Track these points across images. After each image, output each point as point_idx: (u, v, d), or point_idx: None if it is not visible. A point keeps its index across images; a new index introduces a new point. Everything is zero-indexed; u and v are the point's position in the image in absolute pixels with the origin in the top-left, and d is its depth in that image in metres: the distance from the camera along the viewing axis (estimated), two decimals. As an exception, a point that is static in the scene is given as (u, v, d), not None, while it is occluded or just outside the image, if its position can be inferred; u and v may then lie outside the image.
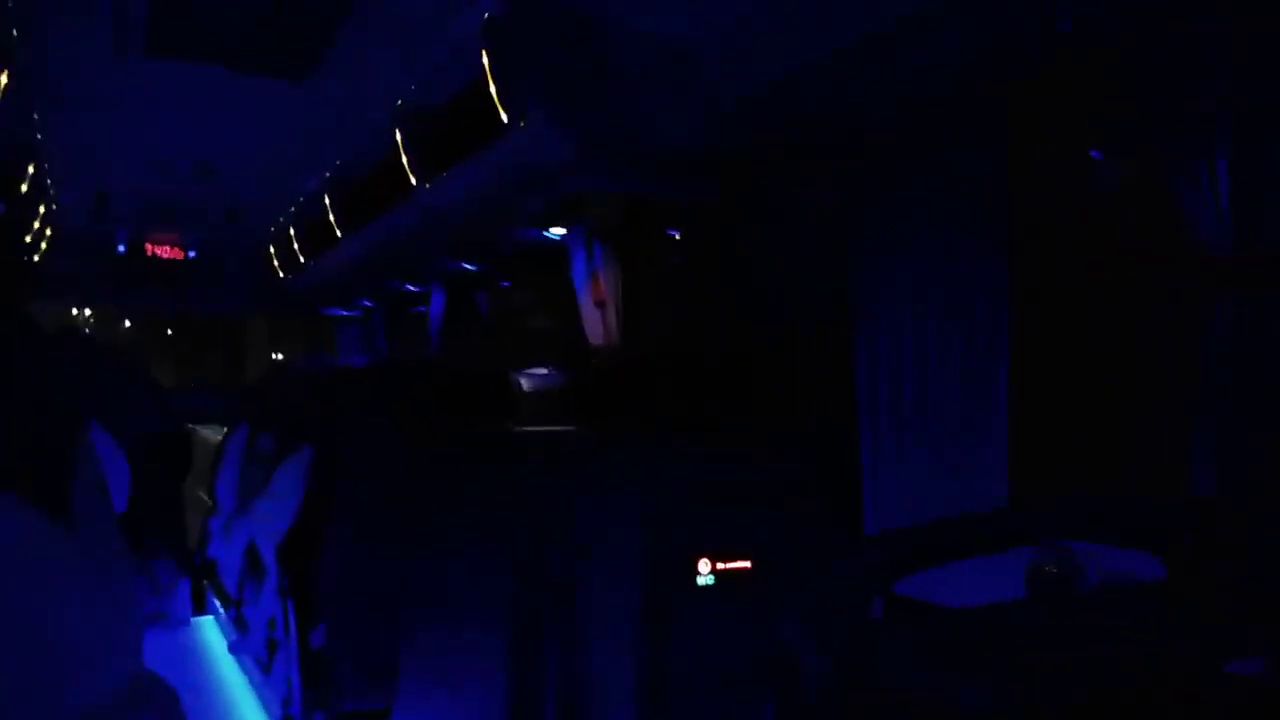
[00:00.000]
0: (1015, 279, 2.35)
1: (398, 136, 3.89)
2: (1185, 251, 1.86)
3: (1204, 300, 1.81)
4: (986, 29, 2.02)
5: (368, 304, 6.92)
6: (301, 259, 6.24)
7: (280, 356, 9.25)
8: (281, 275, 6.86)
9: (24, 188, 4.46)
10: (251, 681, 3.27)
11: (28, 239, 5.35)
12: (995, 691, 1.08)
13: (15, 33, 3.15)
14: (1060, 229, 2.51)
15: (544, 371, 3.68)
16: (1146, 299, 2.30)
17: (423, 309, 5.97)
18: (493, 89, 2.90)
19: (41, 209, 5.34)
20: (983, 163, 2.36)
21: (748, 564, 1.94)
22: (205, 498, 3.95)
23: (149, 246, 6.87)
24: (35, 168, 4.58)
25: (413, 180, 3.88)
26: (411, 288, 5.93)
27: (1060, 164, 2.50)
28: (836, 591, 1.20)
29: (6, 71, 3.13)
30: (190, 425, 4.74)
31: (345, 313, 7.40)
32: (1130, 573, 1.50)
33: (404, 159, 3.89)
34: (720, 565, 1.92)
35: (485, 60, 2.90)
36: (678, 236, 3.73)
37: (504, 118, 2.90)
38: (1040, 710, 1.10)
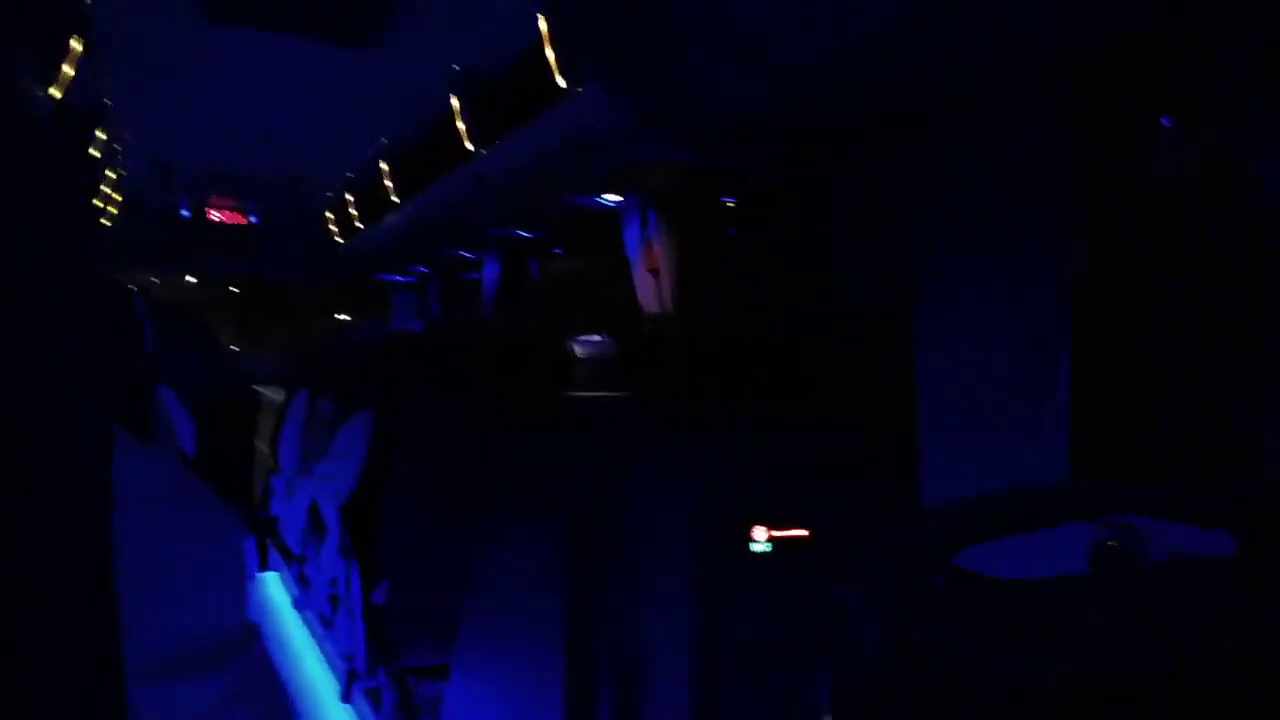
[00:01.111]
0: (1080, 256, 2.29)
1: (455, 103, 3.91)
2: (1262, 226, 1.80)
3: (1281, 275, 1.76)
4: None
5: (422, 270, 7.00)
6: (358, 225, 6.33)
7: (345, 318, 9.40)
8: (339, 241, 6.97)
9: (95, 153, 4.57)
10: (315, 636, 3.37)
11: (97, 205, 5.49)
12: (1056, 666, 1.08)
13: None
14: (1128, 203, 2.44)
15: (597, 339, 3.70)
16: (1218, 276, 2.23)
17: (476, 275, 6.02)
18: (550, 55, 2.89)
19: (111, 175, 5.47)
20: (1048, 135, 2.30)
21: (805, 532, 1.94)
22: (269, 457, 4.06)
23: (211, 212, 7.02)
24: (106, 134, 4.69)
25: (469, 147, 3.90)
26: (466, 254, 5.97)
27: (1129, 134, 2.42)
28: (899, 561, 1.20)
29: (81, 39, 3.20)
30: (255, 387, 4.86)
31: (400, 279, 7.49)
32: (1198, 550, 1.47)
33: (460, 125, 3.91)
34: (776, 533, 1.93)
35: (543, 26, 2.90)
36: (733, 205, 3.70)
37: (561, 84, 2.89)
38: (1102, 687, 1.09)
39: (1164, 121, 2.38)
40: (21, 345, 0.53)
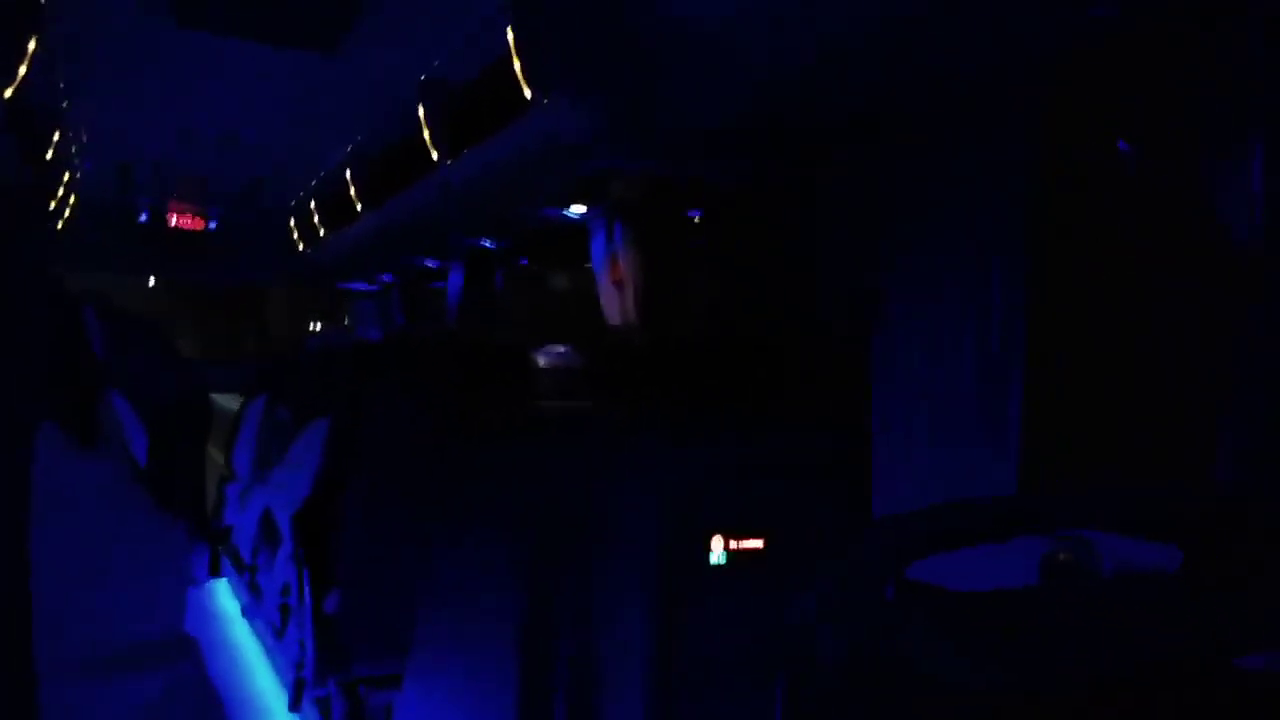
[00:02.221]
0: (1035, 270, 2.33)
1: (421, 111, 3.89)
2: (1215, 245, 1.84)
3: (1234, 296, 1.80)
4: (1021, 10, 2.01)
5: (386, 279, 6.95)
6: (321, 232, 6.27)
7: (317, 327, 9.28)
8: (301, 248, 6.90)
9: (50, 154, 4.49)
10: (264, 645, 3.31)
11: (52, 206, 5.39)
12: (1008, 675, 1.09)
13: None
14: (1084, 221, 2.49)
15: (561, 349, 3.69)
16: (1172, 294, 2.28)
17: (440, 284, 5.99)
18: (517, 65, 2.89)
19: (66, 176, 5.37)
20: (1007, 150, 2.34)
21: (760, 543, 1.95)
22: (222, 466, 3.99)
23: (170, 216, 6.91)
24: (60, 135, 4.61)
25: (434, 156, 3.89)
26: (430, 263, 5.94)
27: (1086, 155, 2.47)
28: (853, 572, 1.21)
29: (35, 37, 3.15)
30: (211, 394, 4.78)
31: (363, 287, 7.43)
32: (1148, 563, 1.49)
33: (426, 134, 3.89)
34: (733, 544, 1.93)
35: (510, 36, 2.90)
36: (699, 219, 3.72)
37: (528, 94, 2.89)
38: (1052, 695, 1.10)
39: (1120, 144, 2.43)
40: None
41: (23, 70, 3.17)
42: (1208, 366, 1.95)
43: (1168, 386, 2.25)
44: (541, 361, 3.56)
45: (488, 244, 5.05)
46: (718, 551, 1.89)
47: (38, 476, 0.56)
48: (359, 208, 5.31)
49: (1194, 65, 1.86)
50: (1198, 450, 1.92)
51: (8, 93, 3.15)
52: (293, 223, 6.86)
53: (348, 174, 5.32)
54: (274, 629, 3.05)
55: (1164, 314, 2.30)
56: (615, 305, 3.65)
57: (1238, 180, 1.78)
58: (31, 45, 3.15)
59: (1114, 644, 1.13)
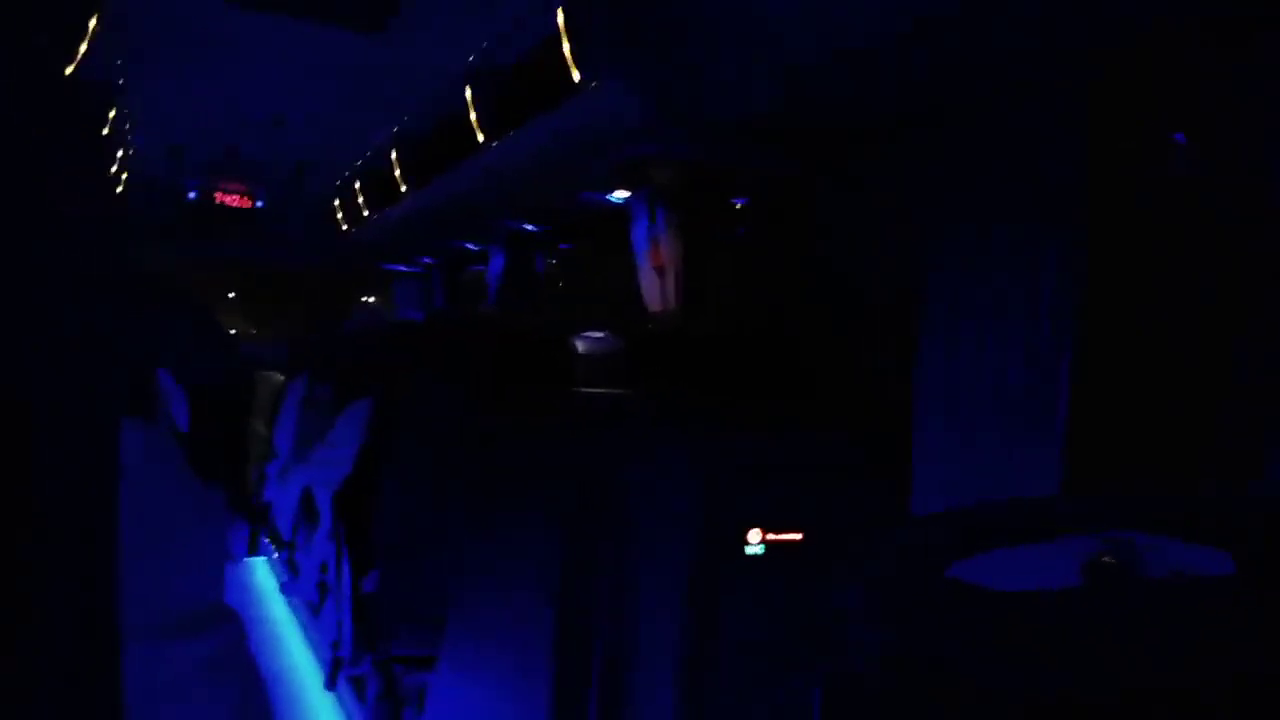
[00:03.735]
0: (1086, 264, 2.28)
1: (467, 93, 3.90)
2: (1272, 242, 1.79)
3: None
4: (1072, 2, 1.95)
5: (427, 261, 6.99)
6: (365, 213, 6.32)
7: (371, 300, 9.35)
8: (344, 228, 6.96)
9: (105, 131, 4.57)
10: (301, 622, 3.36)
11: (108, 182, 5.49)
12: (1047, 678, 1.06)
13: (102, -24, 3.21)
14: (1138, 214, 2.43)
15: (600, 335, 3.69)
16: (1225, 292, 2.21)
17: (481, 267, 6.01)
18: (566, 48, 2.88)
19: (119, 153, 5.47)
20: (1059, 142, 2.29)
21: (799, 536, 1.93)
22: (265, 442, 4.05)
23: (218, 195, 7.00)
24: (116, 112, 4.68)
25: (480, 138, 3.89)
26: (471, 246, 5.97)
27: (1140, 145, 2.41)
28: (894, 569, 1.19)
29: (97, 15, 3.20)
30: (258, 371, 4.86)
31: (404, 268, 7.48)
32: (1196, 569, 1.45)
33: (472, 116, 3.90)
34: (771, 536, 1.91)
35: (560, 18, 2.89)
36: (742, 205, 3.69)
37: (576, 77, 2.88)
38: (1092, 701, 1.08)
39: (1176, 136, 2.37)
40: (38, 323, 0.53)
41: (83, 48, 3.23)
42: (1261, 367, 1.90)
43: (1219, 386, 2.19)
44: (580, 346, 3.56)
45: (529, 227, 5.05)
46: (755, 543, 1.88)
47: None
48: (403, 189, 5.34)
49: (1250, 57, 1.80)
50: (1248, 453, 1.87)
51: (69, 70, 3.20)
52: (337, 203, 6.92)
53: (393, 155, 5.36)
54: (311, 607, 3.09)
55: (1216, 312, 2.24)
56: (656, 291, 3.63)
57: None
58: (92, 23, 3.20)
59: (1159, 651, 1.11)
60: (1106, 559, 1.63)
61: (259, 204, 7.09)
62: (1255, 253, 1.98)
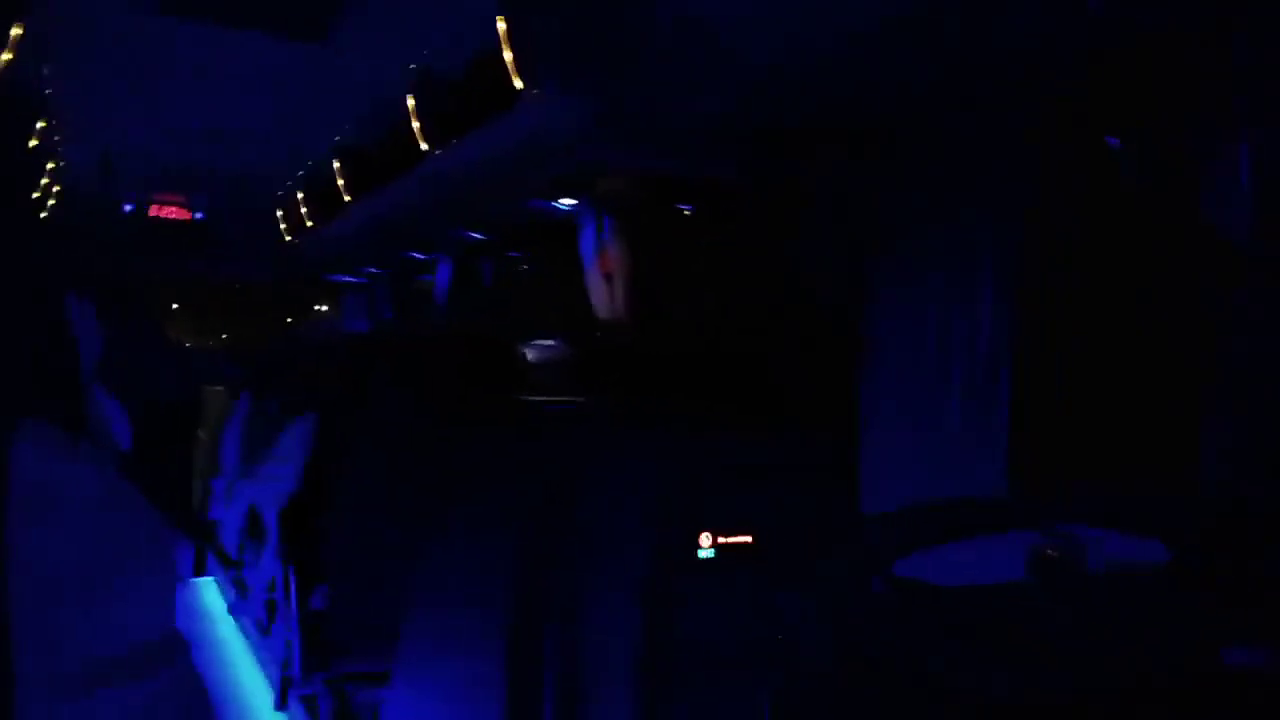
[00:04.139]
0: (1025, 269, 2.33)
1: (410, 102, 3.87)
2: (1203, 242, 1.85)
3: (1222, 291, 1.80)
4: (1015, 12, 2.00)
5: (373, 271, 6.91)
6: (309, 224, 6.23)
7: (324, 309, 9.16)
8: (288, 240, 6.85)
9: (33, 142, 4.44)
10: (250, 642, 3.29)
11: (35, 195, 5.34)
12: (996, 670, 1.09)
13: (28, -15, 3.13)
14: (1073, 217, 2.49)
15: (550, 343, 3.68)
16: (1160, 292, 2.28)
17: (428, 277, 5.96)
18: (508, 56, 2.87)
19: (49, 165, 5.32)
20: (997, 148, 2.34)
21: (749, 539, 1.94)
22: (210, 459, 3.97)
23: (155, 208, 6.84)
24: (45, 123, 4.56)
25: (423, 147, 3.86)
26: (418, 256, 5.91)
27: (1076, 151, 2.47)
28: (843, 569, 1.20)
29: (20, 23, 3.11)
30: (199, 386, 4.76)
31: (351, 279, 7.39)
32: (1135, 559, 1.50)
33: (415, 125, 3.87)
34: (721, 539, 1.92)
35: (501, 26, 2.88)
36: (689, 212, 3.71)
37: (518, 85, 2.88)
38: (1040, 691, 1.10)
39: (1110, 140, 2.44)
40: None
41: (6, 57, 3.14)
42: (1196, 364, 1.96)
43: (1155, 384, 2.25)
44: (530, 355, 3.55)
45: (476, 236, 5.02)
46: (706, 546, 1.89)
47: (25, 475, 0.55)
48: (347, 200, 5.27)
49: (1183, 63, 1.87)
50: (1184, 448, 1.92)
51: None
52: (280, 214, 6.82)
53: (335, 165, 5.29)
54: (260, 626, 3.03)
55: (1152, 312, 2.30)
56: (604, 298, 3.63)
57: (1226, 177, 1.79)
58: (15, 31, 3.11)
59: (1102, 639, 1.14)
60: (1050, 552, 1.67)
61: (198, 216, 6.95)
62: (1187, 254, 2.04)
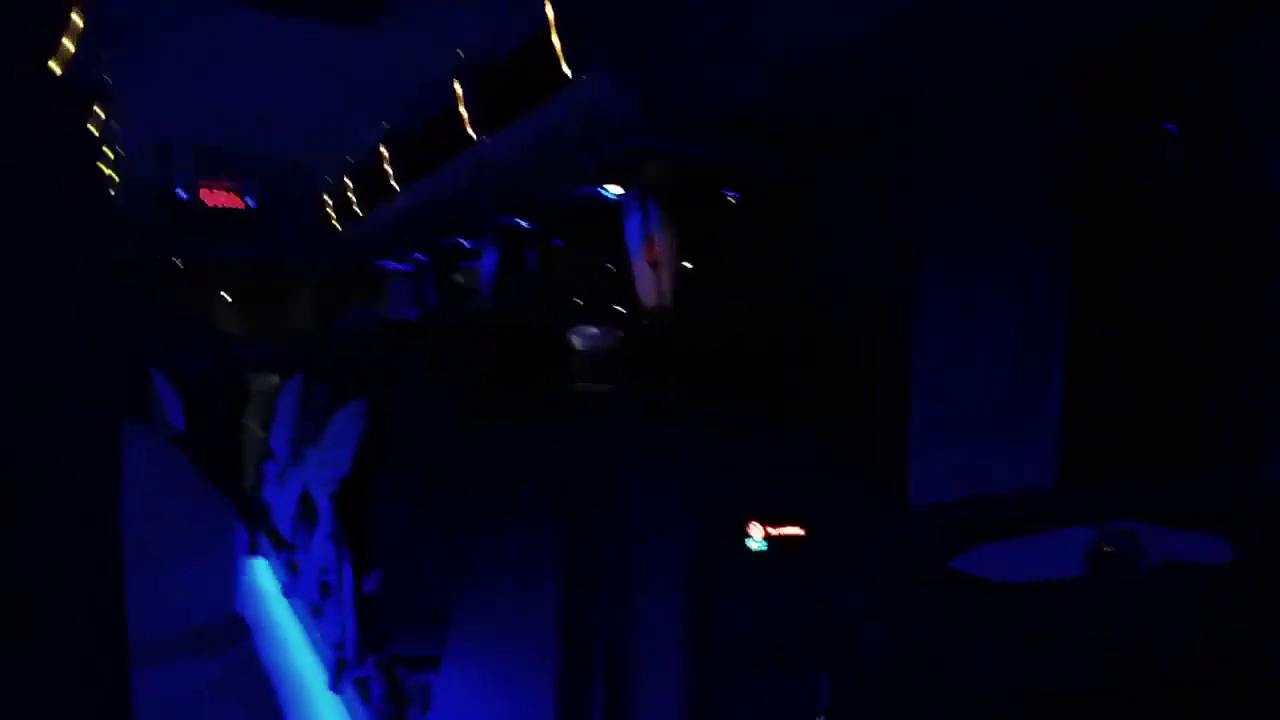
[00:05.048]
0: (1077, 256, 2.27)
1: (458, 89, 3.88)
2: (1264, 230, 1.79)
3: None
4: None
5: (420, 257, 6.97)
6: (357, 210, 6.30)
7: (368, 298, 9.28)
8: (337, 226, 6.94)
9: (94, 131, 4.54)
10: (304, 623, 3.35)
11: (96, 184, 5.45)
12: (1050, 668, 1.07)
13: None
14: (1129, 205, 2.43)
15: (595, 330, 3.68)
16: (1219, 279, 2.21)
17: (474, 264, 5.99)
18: (556, 41, 2.87)
19: (109, 153, 5.44)
20: (1051, 133, 2.28)
21: (800, 531, 1.93)
22: (262, 443, 4.04)
23: (208, 194, 6.97)
24: (104, 112, 4.65)
25: (471, 134, 3.88)
26: (464, 242, 5.95)
27: (1132, 137, 2.41)
28: (898, 563, 1.19)
29: (80, 13, 3.17)
30: (250, 373, 4.85)
31: (397, 265, 7.46)
32: (1196, 556, 1.46)
33: (463, 112, 3.88)
34: (772, 531, 1.91)
35: (550, 12, 2.87)
36: (735, 200, 3.69)
37: (566, 72, 2.87)
38: (1096, 689, 1.08)
39: (1167, 127, 2.37)
40: (36, 329, 0.52)
41: (70, 46, 3.20)
42: (1256, 355, 1.90)
43: (1213, 375, 2.19)
44: (576, 342, 3.55)
45: (522, 223, 5.04)
46: (757, 538, 1.88)
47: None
48: (395, 186, 5.32)
49: (1242, 48, 1.80)
50: (1244, 442, 1.87)
51: (56, 69, 3.18)
52: (329, 201, 6.90)
53: (384, 152, 5.33)
54: (313, 608, 3.09)
55: (1211, 300, 2.24)
56: (650, 286, 3.62)
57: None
58: (79, 21, 3.18)
59: (1162, 638, 1.11)
60: (1107, 548, 1.63)
61: (250, 203, 7.06)
62: (1247, 242, 1.98)
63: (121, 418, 0.58)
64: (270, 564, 4.27)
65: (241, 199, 7.04)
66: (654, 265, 3.56)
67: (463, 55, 3.80)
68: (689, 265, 3.56)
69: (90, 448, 0.54)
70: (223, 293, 10.05)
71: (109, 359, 0.59)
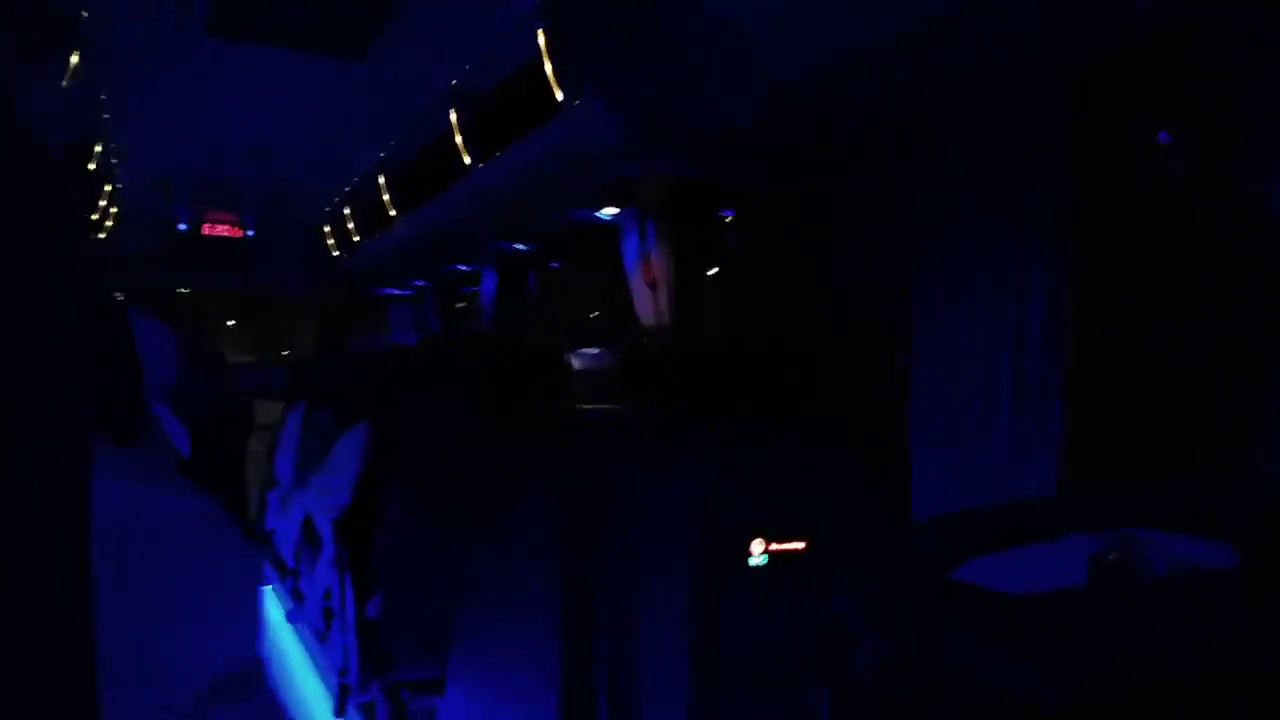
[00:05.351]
0: (1076, 265, 2.28)
1: (453, 116, 3.91)
2: (1260, 237, 1.80)
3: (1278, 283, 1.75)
4: (1055, 7, 1.97)
5: (420, 284, 7.00)
6: (355, 238, 6.33)
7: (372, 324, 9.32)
8: (336, 254, 6.97)
9: (92, 166, 4.58)
10: (308, 650, 3.34)
11: (94, 217, 5.50)
12: (1058, 680, 1.06)
13: (85, 14, 3.23)
14: (1125, 214, 2.44)
15: (595, 351, 3.69)
16: (1217, 287, 2.22)
17: (474, 289, 6.02)
18: (548, 68, 2.90)
19: (107, 187, 5.48)
20: (1046, 147, 2.30)
21: (802, 545, 1.93)
22: (266, 471, 4.04)
23: (208, 225, 7.01)
24: (102, 147, 4.69)
25: (466, 160, 3.91)
26: (463, 268, 5.98)
27: (1127, 148, 2.42)
28: (897, 575, 1.19)
29: (78, 53, 3.21)
30: (254, 400, 4.86)
31: (398, 292, 7.49)
32: (1200, 562, 1.45)
33: (458, 139, 3.91)
34: (774, 545, 1.91)
35: (542, 39, 2.90)
36: (731, 219, 3.71)
37: (559, 96, 2.90)
38: (1104, 700, 1.07)
39: (1161, 136, 2.38)
40: (7, 353, 0.52)
41: (67, 85, 3.24)
42: (1257, 361, 1.90)
43: (1214, 382, 2.19)
44: (576, 363, 3.56)
45: (520, 247, 5.06)
46: (758, 553, 1.88)
47: (121, 508, 0.57)
48: (392, 214, 5.35)
49: (1236, 59, 1.82)
50: (1245, 448, 1.87)
51: (54, 107, 3.22)
52: (328, 229, 6.94)
53: (381, 180, 5.37)
54: (318, 634, 3.08)
55: (1209, 307, 2.24)
56: (648, 305, 3.64)
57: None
58: (75, 60, 3.21)
59: (1168, 647, 1.10)
60: (1112, 555, 1.63)
61: (249, 233, 7.11)
62: (1244, 249, 1.99)
63: (89, 443, 0.58)
64: (274, 590, 4.26)
65: (242, 229, 7.09)
66: (651, 284, 3.58)
67: (457, 83, 3.83)
68: (686, 283, 3.58)
69: (57, 473, 0.54)
70: (226, 321, 10.09)
71: (82, 387, 0.60)
